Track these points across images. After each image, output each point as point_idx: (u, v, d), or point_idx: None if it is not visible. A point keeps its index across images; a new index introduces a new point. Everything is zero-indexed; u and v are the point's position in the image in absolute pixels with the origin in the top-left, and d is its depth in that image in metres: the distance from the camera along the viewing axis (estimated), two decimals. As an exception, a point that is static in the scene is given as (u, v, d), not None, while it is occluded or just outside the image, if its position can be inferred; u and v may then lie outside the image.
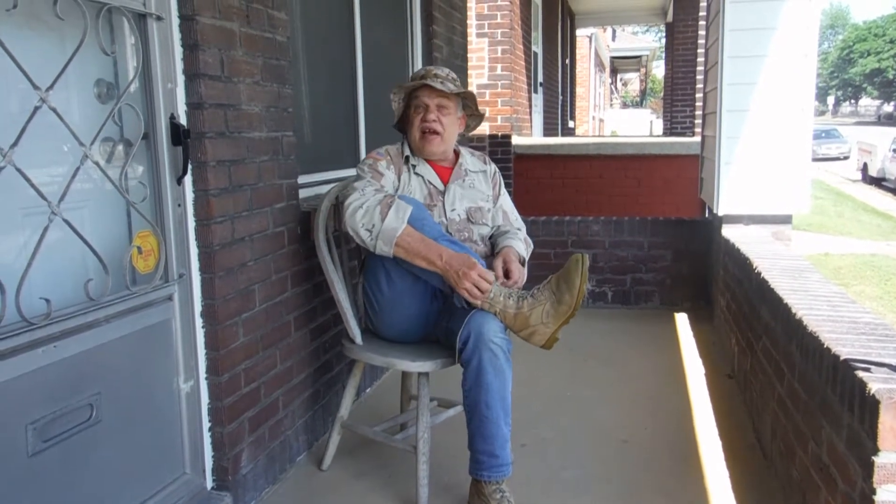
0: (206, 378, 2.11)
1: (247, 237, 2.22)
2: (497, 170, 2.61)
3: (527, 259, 2.43)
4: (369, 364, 2.39)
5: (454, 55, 4.74)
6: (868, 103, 64.44)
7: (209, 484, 2.15)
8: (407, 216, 2.11)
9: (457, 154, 2.50)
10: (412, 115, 2.37)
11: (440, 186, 2.40)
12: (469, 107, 2.48)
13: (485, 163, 2.57)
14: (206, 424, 2.13)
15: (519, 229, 2.53)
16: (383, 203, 2.14)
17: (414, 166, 2.40)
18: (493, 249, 2.45)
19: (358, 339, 2.39)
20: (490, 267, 2.36)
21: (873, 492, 1.45)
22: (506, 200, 2.58)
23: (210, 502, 2.10)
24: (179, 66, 1.97)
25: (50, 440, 1.64)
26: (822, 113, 64.50)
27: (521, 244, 2.43)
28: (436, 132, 2.35)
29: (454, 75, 2.41)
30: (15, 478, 1.56)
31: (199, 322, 2.08)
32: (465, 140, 4.71)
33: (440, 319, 2.33)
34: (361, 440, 2.68)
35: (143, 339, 1.92)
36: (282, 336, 2.45)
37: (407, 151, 2.41)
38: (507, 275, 2.26)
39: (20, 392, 1.56)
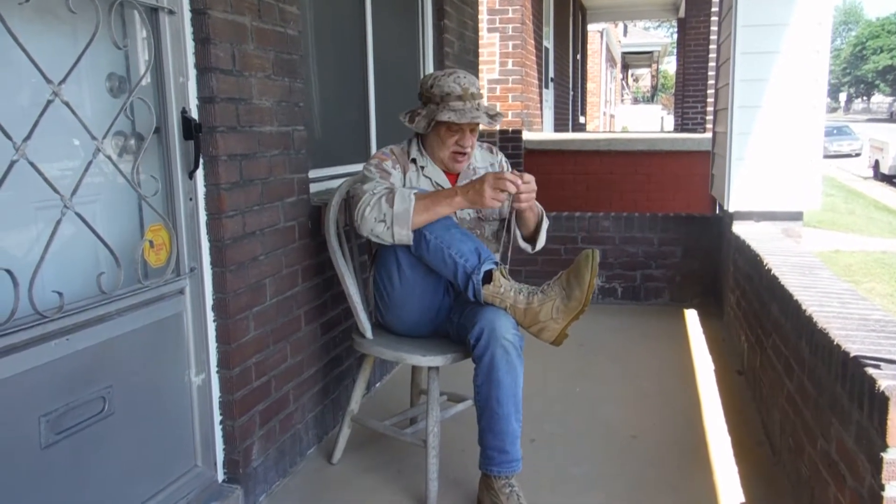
0: (218, 371, 2.13)
1: (258, 231, 2.23)
2: (504, 157, 2.61)
3: (544, 223, 2.44)
4: (379, 358, 2.40)
5: (465, 50, 4.74)
6: (880, 100, 63.95)
7: (220, 477, 2.17)
8: (412, 196, 2.13)
9: None
10: (444, 132, 2.31)
11: (447, 186, 2.39)
12: None
13: (492, 153, 2.57)
14: (217, 417, 2.14)
15: None
16: (388, 194, 2.16)
17: (423, 168, 2.39)
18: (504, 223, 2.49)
19: (368, 333, 2.39)
20: (502, 255, 2.38)
21: (882, 488, 1.45)
22: None
23: (221, 495, 2.12)
24: (191, 60, 1.98)
25: (62, 432, 1.66)
26: (834, 110, 64.06)
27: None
28: (467, 154, 2.37)
29: (478, 82, 2.37)
30: (28, 469, 1.58)
31: (210, 316, 2.10)
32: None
33: (451, 314, 2.33)
34: (371, 434, 2.69)
35: (154, 333, 1.94)
36: (292, 330, 2.46)
37: (414, 153, 2.40)
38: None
39: (33, 384, 1.58)
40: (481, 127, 2.37)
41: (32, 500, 1.59)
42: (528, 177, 2.20)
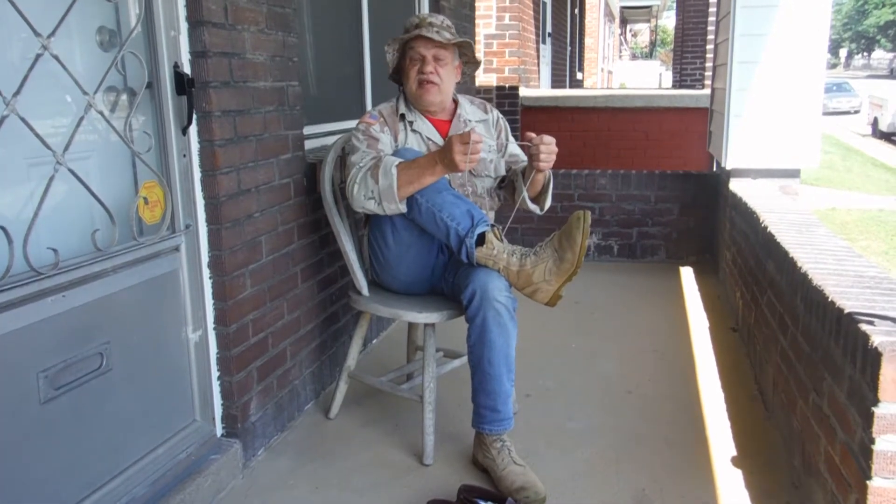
0: (215, 328, 2.14)
1: (253, 189, 2.22)
2: (500, 116, 2.56)
3: (551, 184, 2.39)
4: (375, 315, 2.41)
5: (461, 4, 4.66)
6: (881, 56, 63.24)
7: (219, 431, 2.19)
8: (394, 169, 2.09)
9: (455, 104, 2.46)
10: (408, 66, 2.31)
11: (439, 141, 2.36)
12: (466, 55, 2.44)
13: (486, 111, 2.52)
14: (214, 373, 2.16)
15: None
16: (373, 168, 2.14)
17: (411, 122, 2.35)
18: (512, 188, 2.44)
19: (364, 290, 2.40)
20: (499, 215, 2.36)
21: (872, 441, 1.47)
22: (514, 147, 2.54)
23: (220, 449, 2.14)
24: (182, 13, 1.95)
25: (61, 388, 1.67)
26: (835, 66, 63.38)
27: None
28: (433, 83, 2.30)
29: (449, 22, 2.34)
30: (28, 424, 1.59)
31: (206, 273, 2.09)
32: (472, 92, 4.66)
33: (446, 273, 2.33)
34: (368, 390, 2.71)
35: (151, 290, 1.94)
36: (289, 287, 2.46)
37: (402, 108, 2.36)
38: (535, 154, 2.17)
39: (31, 340, 1.58)
40: (479, 82, 2.33)
41: (33, 454, 1.61)
42: (549, 138, 2.18)
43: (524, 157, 2.51)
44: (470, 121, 2.44)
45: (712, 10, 8.53)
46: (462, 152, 1.99)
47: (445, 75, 2.33)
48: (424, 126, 2.36)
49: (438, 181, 2.14)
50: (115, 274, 1.80)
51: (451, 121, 2.42)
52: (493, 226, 2.16)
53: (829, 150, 14.73)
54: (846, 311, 1.66)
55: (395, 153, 2.23)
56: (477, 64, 2.49)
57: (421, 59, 2.29)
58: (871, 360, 1.47)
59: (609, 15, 22.30)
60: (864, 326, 1.54)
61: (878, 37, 60.76)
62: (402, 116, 2.35)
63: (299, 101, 2.48)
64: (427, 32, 2.25)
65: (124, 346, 1.85)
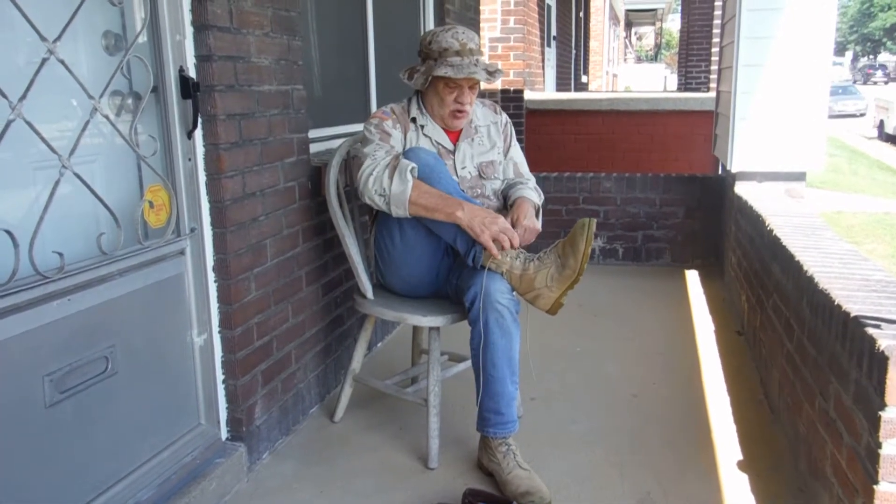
0: (220, 331, 2.14)
1: (258, 192, 2.22)
2: (509, 120, 2.56)
3: (540, 207, 2.40)
4: (380, 319, 2.41)
5: (466, 7, 4.66)
6: (887, 59, 62.97)
7: (224, 435, 2.19)
8: (409, 175, 2.09)
9: None
10: (442, 88, 2.27)
11: (449, 146, 2.36)
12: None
13: (496, 112, 2.52)
14: (219, 377, 2.16)
15: (528, 179, 2.51)
16: (390, 166, 2.14)
17: (422, 126, 2.36)
18: (504, 203, 2.44)
19: (369, 293, 2.40)
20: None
21: (879, 445, 1.46)
22: (517, 152, 2.53)
23: (225, 452, 2.14)
24: (188, 17, 1.95)
25: (66, 391, 1.67)
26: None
27: (532, 193, 2.41)
28: (467, 113, 2.32)
29: (478, 38, 2.32)
30: (33, 428, 1.60)
31: (211, 276, 2.10)
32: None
33: (450, 276, 2.33)
34: (373, 393, 2.71)
35: (156, 293, 1.94)
36: (294, 291, 2.46)
37: (414, 111, 2.36)
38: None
39: (36, 344, 1.59)
40: (483, 85, 2.33)
41: (39, 457, 1.61)
42: (530, 224, 2.20)
43: (525, 168, 2.54)
44: (479, 126, 2.44)
45: (717, 13, 8.53)
46: (494, 237, 2.05)
47: (474, 99, 2.34)
48: (435, 131, 2.36)
49: (450, 184, 2.15)
50: (120, 277, 1.81)
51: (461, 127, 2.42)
52: None
53: (835, 153, 14.69)
54: (852, 314, 1.65)
55: (407, 153, 2.22)
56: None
57: (459, 87, 2.26)
58: (878, 363, 1.46)
59: (614, 18, 22.30)
60: (870, 330, 1.54)
61: (884, 39, 60.56)
62: (414, 120, 2.35)
63: (304, 104, 2.48)
64: (475, 72, 2.20)
65: (129, 350, 1.85)
